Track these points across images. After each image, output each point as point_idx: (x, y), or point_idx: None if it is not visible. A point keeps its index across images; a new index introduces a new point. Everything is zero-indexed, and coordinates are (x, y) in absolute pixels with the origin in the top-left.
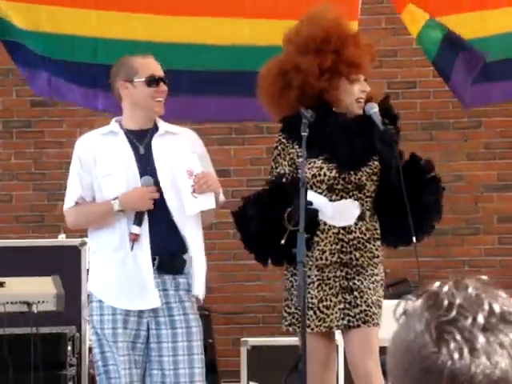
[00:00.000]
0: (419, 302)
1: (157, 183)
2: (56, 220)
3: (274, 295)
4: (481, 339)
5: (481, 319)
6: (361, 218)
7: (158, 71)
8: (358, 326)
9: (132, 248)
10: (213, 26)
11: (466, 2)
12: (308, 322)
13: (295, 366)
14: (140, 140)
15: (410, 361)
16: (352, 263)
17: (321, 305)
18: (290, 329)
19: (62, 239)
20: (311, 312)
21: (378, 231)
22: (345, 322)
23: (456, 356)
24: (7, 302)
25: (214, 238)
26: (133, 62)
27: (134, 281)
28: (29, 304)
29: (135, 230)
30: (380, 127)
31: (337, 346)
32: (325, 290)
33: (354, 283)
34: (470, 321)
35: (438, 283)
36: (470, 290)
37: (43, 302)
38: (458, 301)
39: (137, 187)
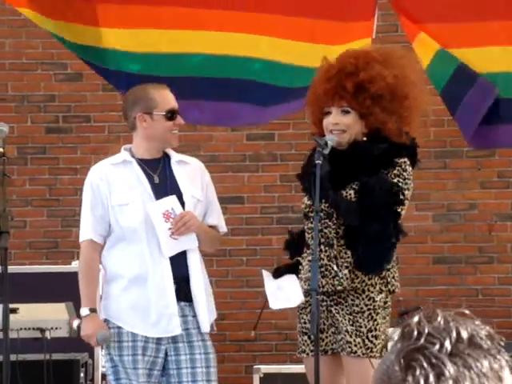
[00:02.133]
0: (395, 337)
1: (182, 208)
2: (69, 246)
3: (287, 322)
4: (448, 365)
5: (448, 345)
6: (330, 245)
7: (176, 104)
8: (338, 352)
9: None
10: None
11: (480, 36)
12: (303, 347)
13: None
14: (153, 169)
15: None
16: (320, 290)
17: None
18: (303, 355)
19: (75, 265)
20: (305, 337)
21: (350, 260)
22: (335, 346)
23: (422, 382)
24: (20, 329)
25: (227, 265)
26: (152, 95)
27: (156, 307)
28: (42, 330)
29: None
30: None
31: None
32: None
33: (331, 311)
34: (437, 347)
35: (410, 316)
36: (439, 318)
37: (56, 328)
38: (426, 329)
39: (95, 334)
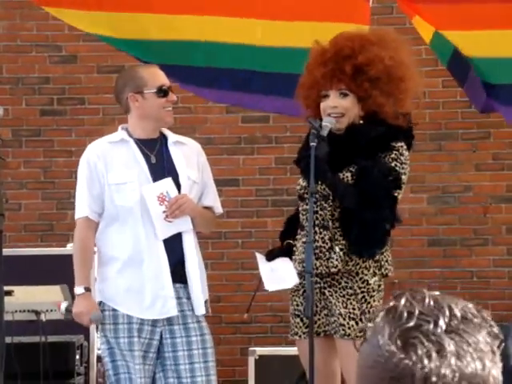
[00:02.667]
0: (378, 319)
1: (178, 189)
2: (65, 229)
3: (282, 305)
4: (447, 341)
5: (442, 323)
6: (324, 227)
7: (166, 81)
8: (331, 334)
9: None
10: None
11: (473, 20)
12: (296, 329)
13: (302, 375)
14: (150, 149)
15: (380, 373)
16: (316, 273)
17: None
18: (295, 337)
19: (70, 248)
20: (298, 319)
21: (344, 242)
22: (328, 328)
23: (425, 359)
24: (16, 311)
25: (222, 248)
26: (141, 74)
27: (151, 290)
28: (37, 313)
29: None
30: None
31: None
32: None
33: (324, 293)
34: (432, 325)
35: (393, 299)
36: (427, 298)
37: (51, 310)
38: (417, 309)
39: (89, 313)
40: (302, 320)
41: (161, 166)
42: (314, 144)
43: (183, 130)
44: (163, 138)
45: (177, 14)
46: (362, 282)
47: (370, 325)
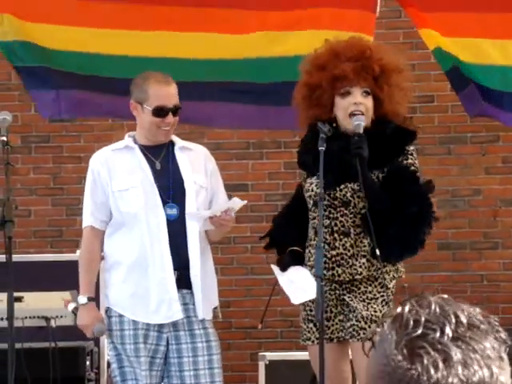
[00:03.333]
0: (385, 328)
1: (184, 194)
2: (74, 235)
3: (292, 310)
4: (453, 349)
5: (448, 331)
6: (346, 234)
7: (169, 102)
8: (347, 339)
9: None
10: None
11: (468, 27)
12: (308, 334)
13: (313, 380)
14: (155, 155)
15: (387, 383)
16: (334, 279)
17: (316, 319)
18: (300, 340)
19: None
20: (311, 325)
21: (367, 248)
22: (342, 334)
23: (432, 369)
24: (26, 317)
25: (232, 253)
26: (147, 87)
27: (157, 294)
28: (47, 319)
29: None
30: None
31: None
32: (325, 302)
33: (344, 299)
34: (438, 334)
35: (400, 306)
36: (433, 305)
37: (61, 316)
38: (423, 317)
39: (92, 325)
40: (315, 325)
41: (165, 171)
42: (323, 148)
43: (192, 135)
44: (170, 144)
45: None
46: (382, 287)
47: (378, 330)
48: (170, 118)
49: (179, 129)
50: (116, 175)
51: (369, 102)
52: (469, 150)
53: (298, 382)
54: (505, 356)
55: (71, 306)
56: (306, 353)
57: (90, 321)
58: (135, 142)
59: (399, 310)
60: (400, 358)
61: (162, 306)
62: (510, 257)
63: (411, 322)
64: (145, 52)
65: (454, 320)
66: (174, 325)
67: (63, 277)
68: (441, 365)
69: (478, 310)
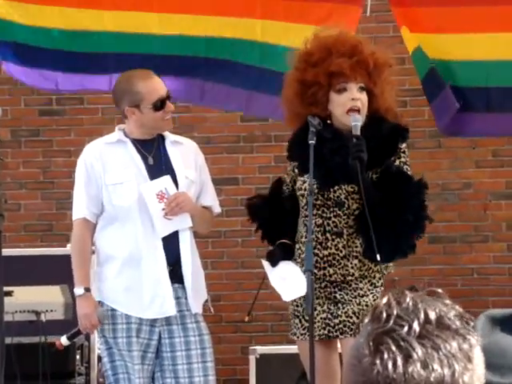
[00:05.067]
0: (363, 322)
1: (176, 189)
2: (64, 229)
3: (283, 303)
4: (416, 347)
5: (416, 327)
6: (339, 234)
7: (163, 92)
8: (336, 336)
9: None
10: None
11: (447, 23)
12: (294, 329)
13: (303, 374)
14: (147, 149)
15: (354, 375)
16: (326, 279)
17: (305, 313)
18: (294, 337)
19: (70, 248)
20: (297, 320)
21: (359, 249)
22: (325, 331)
23: (390, 366)
24: (15, 311)
25: (222, 247)
26: (137, 89)
27: (150, 289)
28: (37, 313)
29: (63, 340)
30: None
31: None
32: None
33: (335, 297)
34: (405, 329)
35: (381, 299)
36: (408, 300)
37: (51, 310)
38: (395, 311)
39: (94, 312)
40: (300, 321)
41: (158, 166)
42: (313, 142)
43: (182, 129)
44: (160, 138)
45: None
46: (371, 285)
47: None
48: (170, 106)
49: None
50: (109, 169)
51: (364, 97)
52: (459, 143)
53: (288, 376)
54: (475, 357)
55: (63, 339)
56: (297, 346)
57: (90, 309)
58: (126, 135)
59: (377, 302)
60: (366, 351)
61: (156, 301)
62: (501, 250)
63: (384, 316)
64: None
65: (422, 317)
66: (167, 319)
67: (53, 271)
68: (399, 362)
69: (457, 309)
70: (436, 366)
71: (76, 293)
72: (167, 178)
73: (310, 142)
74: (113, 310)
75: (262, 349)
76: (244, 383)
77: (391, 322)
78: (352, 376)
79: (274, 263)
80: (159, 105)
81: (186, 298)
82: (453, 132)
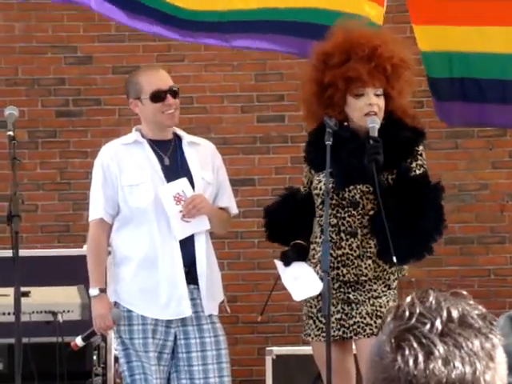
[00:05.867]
0: (387, 318)
1: (193, 188)
2: (81, 230)
3: (299, 304)
4: (438, 344)
5: (439, 324)
6: (353, 234)
7: (164, 84)
8: (351, 337)
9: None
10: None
11: (450, 15)
12: (308, 330)
13: (319, 375)
14: (164, 150)
15: (375, 372)
16: (339, 279)
17: (319, 314)
18: (308, 338)
19: (86, 248)
20: (311, 321)
21: (373, 250)
22: (340, 332)
23: (411, 362)
24: (32, 312)
25: (239, 248)
26: (138, 79)
27: (166, 290)
28: (54, 313)
29: (78, 341)
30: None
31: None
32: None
33: (349, 297)
34: (428, 327)
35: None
36: (431, 298)
37: (68, 311)
38: (418, 309)
39: (109, 313)
40: (314, 322)
41: (175, 167)
42: (330, 143)
43: (198, 129)
44: (177, 139)
45: None
46: (385, 287)
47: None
48: (170, 99)
49: (186, 123)
50: (125, 169)
51: (381, 101)
52: (476, 144)
53: (305, 377)
54: (497, 356)
55: (78, 339)
56: (311, 347)
57: (105, 310)
58: (143, 136)
59: (401, 301)
60: (388, 348)
61: (172, 302)
62: None
63: (407, 314)
64: None
65: (445, 315)
66: (183, 320)
67: (70, 271)
68: (421, 359)
69: (480, 309)
70: (457, 364)
71: (91, 293)
72: (184, 181)
73: (327, 142)
74: (129, 311)
75: (278, 350)
76: None
77: (413, 319)
78: (373, 373)
79: (287, 263)
80: (157, 96)
81: (201, 299)
82: (466, 122)
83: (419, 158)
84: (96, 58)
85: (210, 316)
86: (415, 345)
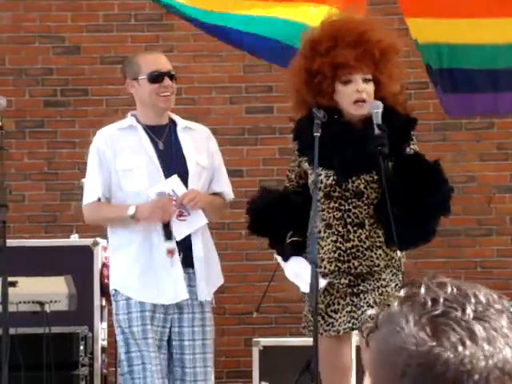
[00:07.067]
0: (395, 307)
1: (186, 175)
2: (68, 220)
3: (286, 296)
4: (477, 327)
5: (469, 310)
6: (360, 225)
7: (163, 66)
8: (355, 329)
9: (172, 264)
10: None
11: (439, 8)
12: (312, 327)
13: (307, 366)
14: (158, 135)
15: (406, 360)
16: (351, 272)
17: (328, 309)
18: (305, 331)
19: (74, 239)
20: (319, 317)
21: (381, 239)
22: (350, 324)
23: (460, 346)
24: (20, 302)
25: (226, 239)
26: (137, 60)
27: (163, 275)
28: (41, 304)
29: (170, 245)
30: (375, 131)
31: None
32: (332, 294)
33: (359, 288)
34: (460, 312)
35: (409, 287)
36: (449, 285)
37: (56, 301)
38: (441, 296)
39: (155, 201)
40: (323, 318)
41: (169, 152)
42: (318, 134)
43: (187, 120)
44: (172, 124)
45: None
46: (393, 275)
47: (382, 313)
48: (168, 81)
49: (174, 114)
50: (120, 154)
51: (370, 87)
52: (463, 136)
53: (291, 368)
54: None
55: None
56: (300, 339)
57: (148, 204)
58: (138, 121)
59: (412, 290)
60: (423, 335)
61: (168, 286)
62: (504, 243)
63: (429, 302)
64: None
65: (473, 299)
66: (180, 307)
67: (57, 261)
68: (468, 342)
69: (492, 291)
70: (499, 345)
71: (129, 212)
72: (173, 178)
73: (315, 134)
74: (127, 298)
75: (265, 341)
76: (247, 375)
77: (441, 306)
78: (399, 361)
79: (285, 258)
80: (155, 76)
81: (196, 285)
82: (461, 113)
83: (411, 142)
84: (84, 48)
85: (203, 304)
86: (457, 328)
